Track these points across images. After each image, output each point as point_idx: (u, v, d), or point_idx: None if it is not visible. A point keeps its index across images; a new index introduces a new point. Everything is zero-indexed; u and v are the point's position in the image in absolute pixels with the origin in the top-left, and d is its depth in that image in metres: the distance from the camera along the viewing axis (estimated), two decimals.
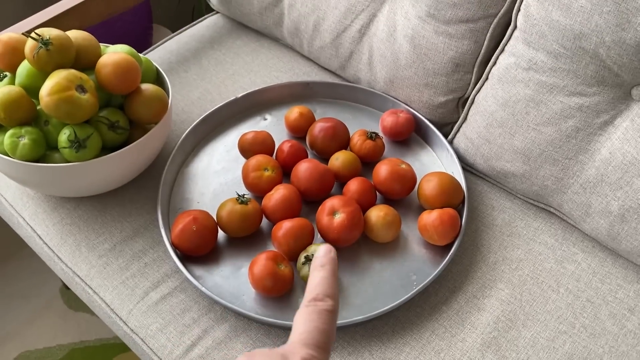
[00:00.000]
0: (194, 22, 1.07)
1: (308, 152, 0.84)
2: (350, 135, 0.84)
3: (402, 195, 0.78)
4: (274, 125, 0.90)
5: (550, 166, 0.73)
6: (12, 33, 0.74)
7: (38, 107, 0.72)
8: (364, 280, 0.71)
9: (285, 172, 0.81)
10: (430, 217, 0.73)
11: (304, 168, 0.77)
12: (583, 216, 0.73)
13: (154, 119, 0.75)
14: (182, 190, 0.81)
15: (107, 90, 0.72)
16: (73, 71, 0.68)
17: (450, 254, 0.71)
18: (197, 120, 0.86)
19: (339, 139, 0.83)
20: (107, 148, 0.74)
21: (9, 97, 0.68)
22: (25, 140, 0.68)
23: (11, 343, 1.16)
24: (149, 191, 0.81)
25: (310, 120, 0.86)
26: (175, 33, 1.05)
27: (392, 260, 0.73)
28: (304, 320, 0.34)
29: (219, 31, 1.05)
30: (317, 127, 0.83)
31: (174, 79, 0.97)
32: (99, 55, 0.75)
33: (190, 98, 0.94)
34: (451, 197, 0.75)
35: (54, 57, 0.68)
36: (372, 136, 0.82)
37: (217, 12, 1.09)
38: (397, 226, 0.73)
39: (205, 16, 1.09)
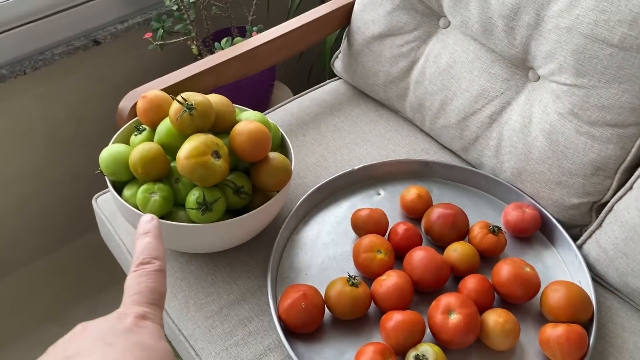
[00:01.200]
0: (316, 87, 1.09)
1: (423, 237, 0.81)
2: (470, 226, 0.81)
3: (522, 301, 0.72)
4: (387, 202, 0.88)
5: None
6: (157, 91, 0.77)
7: (172, 165, 0.75)
8: None
9: (397, 255, 0.79)
10: (554, 332, 0.67)
11: (420, 257, 0.75)
12: None
13: (277, 187, 0.75)
14: (291, 259, 0.80)
15: (238, 157, 0.73)
16: (211, 137, 0.70)
17: None
18: (313, 189, 0.86)
19: (458, 228, 0.79)
20: (228, 211, 0.75)
21: (148, 154, 0.71)
22: (156, 197, 0.70)
23: None
24: (260, 254, 0.81)
25: (427, 203, 0.84)
26: (297, 96, 1.08)
27: None
28: (134, 283, 0.35)
29: (340, 98, 1.06)
30: (436, 213, 0.80)
31: (292, 141, 0.98)
32: (234, 120, 0.77)
33: (307, 163, 0.94)
34: (579, 312, 0.69)
35: (195, 121, 0.70)
36: (495, 230, 0.78)
37: (339, 79, 1.11)
38: (515, 335, 0.68)
39: (328, 81, 1.11)
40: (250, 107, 1.26)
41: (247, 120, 0.76)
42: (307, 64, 1.58)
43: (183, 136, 0.72)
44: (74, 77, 1.17)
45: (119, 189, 0.76)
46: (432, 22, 0.94)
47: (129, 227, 0.86)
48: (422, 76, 0.94)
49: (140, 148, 0.71)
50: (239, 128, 0.73)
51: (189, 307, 0.76)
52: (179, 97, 0.71)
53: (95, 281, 1.34)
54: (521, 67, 0.83)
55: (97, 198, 0.91)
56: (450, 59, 0.90)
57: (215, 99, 0.76)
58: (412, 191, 0.84)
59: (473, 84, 0.87)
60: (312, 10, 1.01)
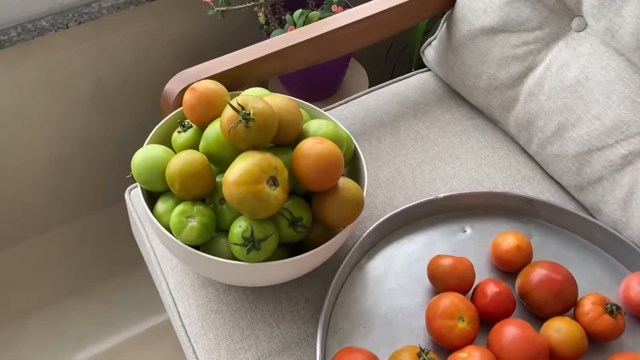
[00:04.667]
0: (399, 78, 0.91)
1: (516, 301, 0.64)
2: (579, 298, 0.63)
3: None
4: (474, 243, 0.71)
5: None
6: (210, 82, 0.62)
7: (218, 179, 0.60)
8: None
9: (482, 320, 0.63)
10: None
11: (512, 335, 0.58)
12: None
13: (344, 223, 0.60)
14: (349, 305, 0.66)
15: (300, 183, 0.58)
16: (269, 157, 0.54)
17: None
18: (383, 219, 0.70)
19: (565, 299, 0.62)
20: (280, 243, 0.60)
21: (189, 168, 0.56)
22: (194, 223, 0.56)
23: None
24: (311, 291, 0.67)
25: (527, 257, 0.67)
26: (375, 87, 0.90)
27: None
28: None
29: (427, 96, 0.88)
30: (537, 275, 0.63)
31: (364, 146, 0.81)
32: (299, 132, 0.61)
33: (379, 177, 0.78)
34: None
35: (252, 135, 0.55)
36: (613, 310, 0.60)
37: (429, 70, 0.92)
38: None
39: (414, 72, 0.92)
40: (317, 92, 1.10)
41: (316, 136, 0.60)
42: (387, 41, 1.37)
43: (236, 150, 0.57)
44: (121, 35, 1.03)
45: (152, 197, 0.63)
46: (562, 21, 0.73)
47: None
48: (539, 88, 0.75)
49: (180, 159, 0.57)
50: (305, 148, 0.57)
51: (220, 351, 0.63)
52: (234, 102, 0.55)
53: (128, 256, 1.24)
54: None
55: (130, 191, 0.78)
56: (580, 74, 0.70)
57: (279, 102, 0.60)
58: (509, 240, 0.67)
59: (608, 111, 0.68)
60: None
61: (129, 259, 1.24)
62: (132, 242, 1.25)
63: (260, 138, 0.56)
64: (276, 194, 0.54)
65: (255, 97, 0.56)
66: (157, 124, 0.66)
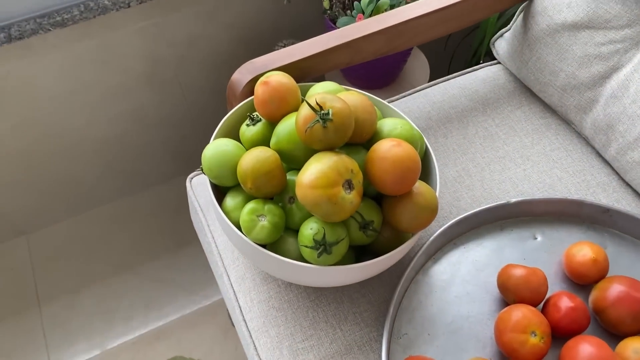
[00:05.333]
0: (467, 70, 0.87)
1: (590, 316, 0.62)
2: None
3: None
4: (545, 251, 0.68)
5: None
6: (282, 75, 0.60)
7: (288, 177, 0.58)
8: None
9: (553, 335, 0.60)
10: None
11: (588, 354, 0.56)
12: None
13: (417, 229, 0.57)
14: (413, 309, 0.64)
15: (373, 185, 0.56)
16: (345, 159, 0.52)
17: None
18: (451, 222, 0.67)
19: None
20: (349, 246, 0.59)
21: (262, 166, 0.55)
22: (264, 222, 0.55)
23: (168, 340, 1.12)
24: (373, 293, 0.65)
25: (602, 270, 0.63)
26: (442, 79, 0.86)
27: None
28: None
29: (497, 91, 0.84)
30: (615, 292, 0.60)
31: (429, 141, 0.79)
32: (373, 131, 0.59)
33: (445, 176, 0.75)
34: None
35: (329, 136, 0.53)
36: None
37: (498, 63, 0.88)
38: None
39: (483, 65, 0.88)
40: (377, 80, 1.06)
41: (391, 137, 0.57)
42: None
43: (309, 149, 0.56)
44: (180, 14, 1.01)
45: (220, 191, 0.62)
46: None
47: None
48: (623, 91, 0.70)
49: (253, 156, 0.55)
50: (382, 150, 0.54)
51: (282, 350, 0.62)
52: (312, 101, 0.53)
53: (177, 234, 1.25)
54: None
55: (192, 179, 0.78)
56: None
57: (355, 101, 0.58)
58: (584, 250, 0.64)
59: None
60: None
61: (178, 239, 1.25)
62: (181, 222, 1.26)
63: (337, 139, 0.53)
64: (351, 197, 0.52)
65: (333, 96, 0.54)
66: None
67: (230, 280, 0.68)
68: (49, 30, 0.89)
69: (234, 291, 0.68)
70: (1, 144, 1.05)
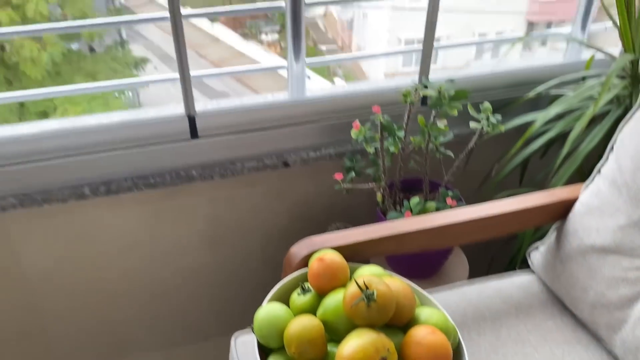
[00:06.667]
0: (503, 274, 0.94)
1: None
2: None
3: None
4: None
5: None
6: (335, 254, 0.69)
7: (329, 348, 0.64)
8: None
9: None
10: None
11: None
12: None
13: None
14: None
15: None
16: (383, 338, 0.58)
17: None
18: None
19: None
20: None
21: (308, 335, 0.61)
22: None
23: None
24: None
25: None
26: (480, 279, 0.93)
27: None
28: None
29: (530, 299, 0.90)
30: None
31: (463, 336, 0.83)
32: (411, 317, 0.65)
33: None
34: None
35: (371, 314, 0.59)
36: None
37: (532, 272, 0.95)
38: None
39: (518, 272, 0.95)
40: (418, 271, 1.14)
41: (427, 324, 0.63)
42: None
43: (352, 322, 0.62)
44: (252, 190, 1.16)
45: (264, 351, 0.68)
46: None
47: None
48: None
49: (300, 324, 0.62)
50: (418, 336, 0.60)
51: None
52: (360, 281, 0.61)
53: None
54: None
55: (237, 338, 0.83)
56: None
57: (398, 286, 0.65)
58: None
59: None
60: (521, 196, 0.88)
61: None
62: None
63: (378, 318, 0.60)
64: None
65: (379, 279, 0.62)
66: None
67: None
68: (141, 189, 1.04)
69: None
70: (61, 277, 1.15)
